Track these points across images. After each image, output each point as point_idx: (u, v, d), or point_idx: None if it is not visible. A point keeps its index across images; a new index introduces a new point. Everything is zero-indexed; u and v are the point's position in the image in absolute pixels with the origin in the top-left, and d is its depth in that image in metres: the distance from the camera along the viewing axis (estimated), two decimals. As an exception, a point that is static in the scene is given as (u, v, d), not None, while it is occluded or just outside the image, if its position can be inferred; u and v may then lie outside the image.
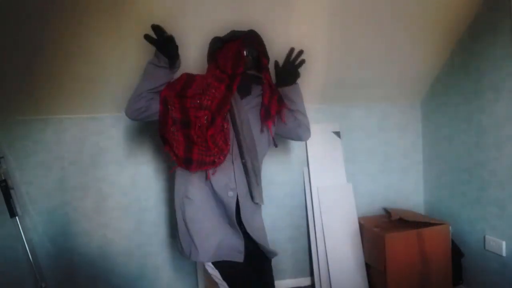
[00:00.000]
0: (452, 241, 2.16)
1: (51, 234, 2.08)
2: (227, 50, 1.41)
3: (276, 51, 1.95)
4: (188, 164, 1.32)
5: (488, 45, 1.92)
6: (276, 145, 1.50)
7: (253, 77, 1.41)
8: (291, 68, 1.46)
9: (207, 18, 1.74)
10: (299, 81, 1.53)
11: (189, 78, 1.39)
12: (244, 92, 1.43)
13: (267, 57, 1.50)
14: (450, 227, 2.14)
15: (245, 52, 1.39)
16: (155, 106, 1.33)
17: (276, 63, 1.50)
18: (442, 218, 2.29)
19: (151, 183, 2.19)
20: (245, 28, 1.50)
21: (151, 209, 2.20)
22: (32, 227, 2.05)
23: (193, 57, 1.80)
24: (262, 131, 1.45)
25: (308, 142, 2.35)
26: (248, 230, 1.40)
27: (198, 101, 1.31)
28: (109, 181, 2.14)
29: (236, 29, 1.50)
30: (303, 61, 1.44)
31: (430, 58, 2.22)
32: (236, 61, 1.35)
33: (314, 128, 2.37)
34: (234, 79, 1.34)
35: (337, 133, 2.38)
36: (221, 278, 1.36)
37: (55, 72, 1.84)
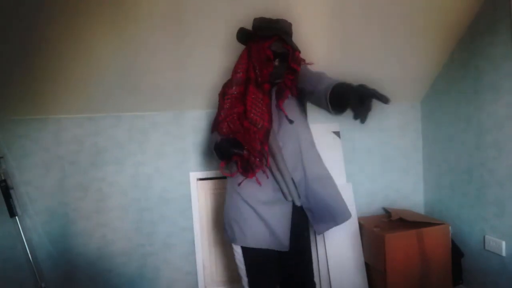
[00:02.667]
0: (452, 241, 2.16)
1: (51, 234, 2.08)
2: (257, 50, 1.36)
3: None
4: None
5: (488, 45, 1.92)
6: (291, 122, 1.42)
7: (276, 84, 1.41)
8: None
9: (207, 17, 1.73)
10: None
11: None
12: (281, 97, 1.42)
13: (295, 58, 1.40)
14: (450, 227, 2.14)
15: (276, 62, 1.36)
16: None
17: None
18: (442, 218, 2.29)
19: (151, 183, 2.19)
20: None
21: (151, 209, 2.20)
22: (32, 227, 2.05)
23: (198, 52, 1.80)
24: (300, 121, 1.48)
25: (308, 142, 2.35)
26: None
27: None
28: (109, 181, 2.14)
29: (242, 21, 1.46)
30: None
31: (430, 58, 2.22)
32: (264, 67, 1.34)
33: (314, 128, 2.37)
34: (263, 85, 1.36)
35: (337, 133, 2.38)
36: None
37: (54, 72, 1.84)
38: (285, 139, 1.41)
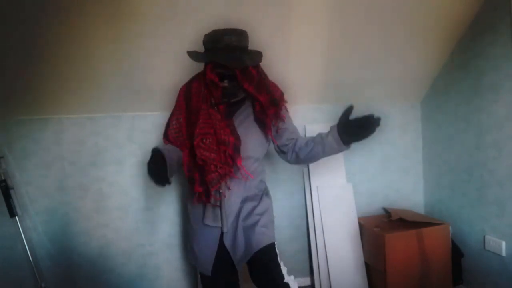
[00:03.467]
0: (452, 241, 2.16)
1: (51, 234, 2.08)
2: (205, 73, 1.35)
3: (275, 50, 1.95)
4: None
5: (488, 45, 1.92)
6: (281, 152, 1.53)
7: (236, 102, 1.38)
8: (366, 126, 1.26)
9: (202, 15, 1.73)
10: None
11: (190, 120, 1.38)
12: (231, 115, 1.40)
13: (247, 75, 1.32)
14: (450, 227, 2.14)
15: (224, 83, 1.32)
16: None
17: (349, 111, 1.31)
18: (442, 218, 2.29)
19: (151, 183, 2.18)
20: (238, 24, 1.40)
21: (151, 208, 2.20)
22: (32, 227, 2.05)
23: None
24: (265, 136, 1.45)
25: (308, 142, 2.35)
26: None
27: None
28: (109, 181, 2.14)
29: (230, 25, 1.40)
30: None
31: (430, 58, 2.22)
32: (213, 89, 1.33)
33: (314, 128, 2.37)
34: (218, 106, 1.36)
35: (337, 133, 2.38)
36: None
37: (55, 72, 1.84)
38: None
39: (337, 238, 2.22)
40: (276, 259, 1.40)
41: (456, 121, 2.19)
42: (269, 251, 1.39)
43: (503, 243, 1.88)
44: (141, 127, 2.17)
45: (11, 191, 1.94)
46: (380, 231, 2.07)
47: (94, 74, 1.89)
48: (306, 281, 2.40)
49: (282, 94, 1.46)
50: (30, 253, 1.97)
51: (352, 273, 2.18)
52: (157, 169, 1.25)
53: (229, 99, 1.34)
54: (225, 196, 1.36)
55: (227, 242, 1.38)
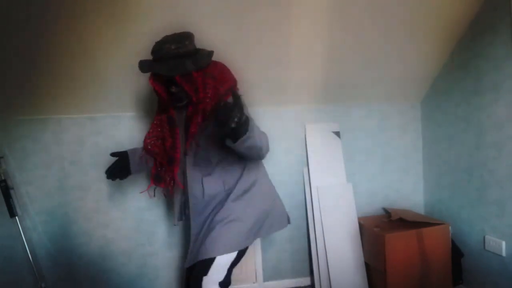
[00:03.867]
0: (452, 241, 2.16)
1: (51, 234, 2.08)
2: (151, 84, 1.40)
3: (275, 50, 1.96)
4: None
5: (488, 45, 1.92)
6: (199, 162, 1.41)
7: (185, 106, 1.40)
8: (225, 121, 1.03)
9: (203, 15, 1.72)
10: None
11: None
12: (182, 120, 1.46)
13: (192, 81, 1.31)
14: (450, 227, 2.14)
15: (172, 89, 1.35)
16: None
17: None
18: (442, 218, 2.29)
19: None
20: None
21: (151, 208, 2.20)
22: (32, 227, 2.05)
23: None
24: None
25: (308, 142, 2.35)
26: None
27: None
28: (109, 181, 2.13)
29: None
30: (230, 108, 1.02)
31: (430, 58, 2.22)
32: (164, 101, 1.41)
33: (314, 128, 2.38)
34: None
35: (337, 133, 2.38)
36: None
37: (55, 72, 1.84)
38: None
39: (337, 238, 2.22)
40: (200, 278, 1.32)
41: (456, 121, 2.19)
42: (203, 266, 1.33)
43: (503, 243, 1.88)
44: (142, 127, 2.17)
45: (11, 191, 1.94)
46: (380, 231, 2.07)
47: (94, 74, 1.89)
48: (306, 281, 2.41)
49: (230, 87, 1.34)
50: (30, 253, 1.97)
51: (352, 273, 2.18)
52: (116, 172, 1.57)
53: (175, 103, 1.39)
54: (182, 187, 1.47)
55: (192, 233, 1.44)
